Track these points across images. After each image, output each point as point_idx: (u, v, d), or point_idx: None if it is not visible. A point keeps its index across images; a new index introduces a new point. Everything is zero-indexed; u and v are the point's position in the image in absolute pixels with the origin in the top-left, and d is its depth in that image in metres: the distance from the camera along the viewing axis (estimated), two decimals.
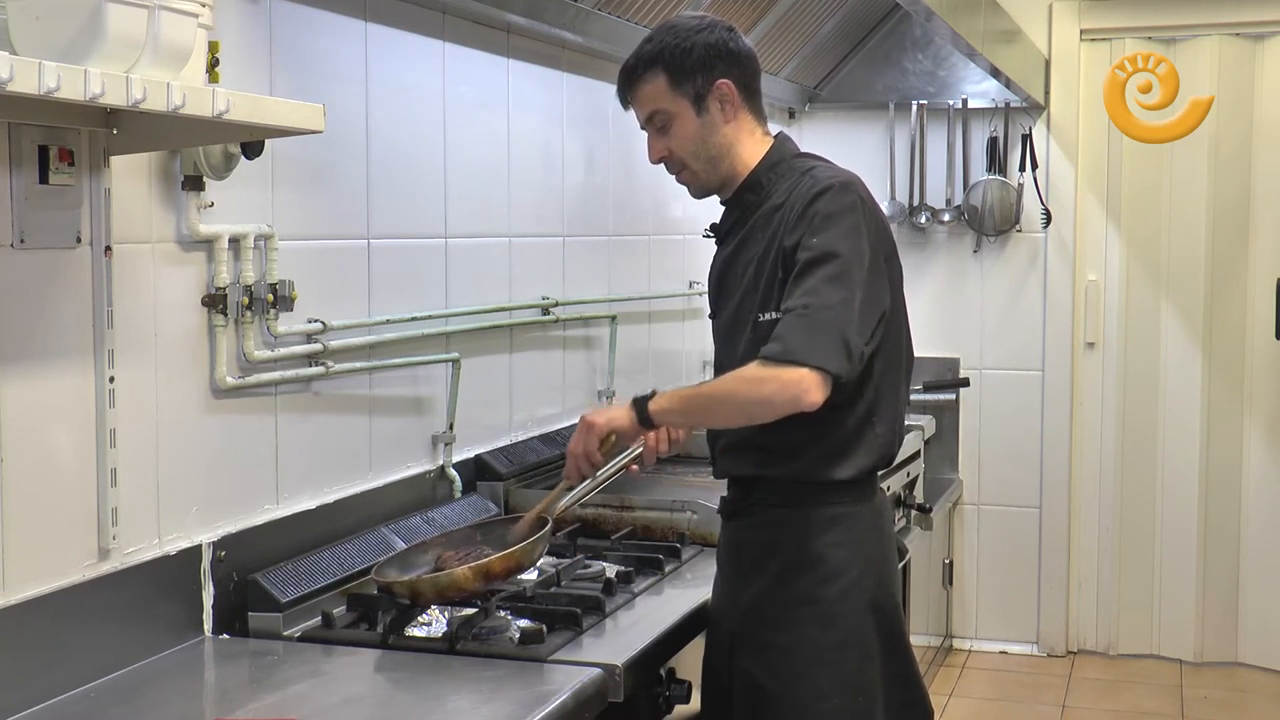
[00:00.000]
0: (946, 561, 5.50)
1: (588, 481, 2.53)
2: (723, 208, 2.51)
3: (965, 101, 5.41)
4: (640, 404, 2.33)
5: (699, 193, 2.48)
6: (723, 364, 2.47)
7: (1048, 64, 5.36)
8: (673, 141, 2.41)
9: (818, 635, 2.34)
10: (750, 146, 2.43)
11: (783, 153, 2.45)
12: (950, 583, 5.57)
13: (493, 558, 2.38)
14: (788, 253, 2.29)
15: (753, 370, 2.22)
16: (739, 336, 2.39)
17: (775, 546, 2.38)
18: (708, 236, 2.58)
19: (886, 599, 2.41)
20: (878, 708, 2.37)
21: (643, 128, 2.46)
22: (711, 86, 2.38)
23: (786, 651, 2.35)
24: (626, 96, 2.45)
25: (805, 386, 2.17)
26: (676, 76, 2.38)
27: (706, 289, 2.60)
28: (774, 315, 2.29)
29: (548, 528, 2.49)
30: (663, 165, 2.46)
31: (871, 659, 2.37)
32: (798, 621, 2.35)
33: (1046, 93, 5.37)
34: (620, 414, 2.35)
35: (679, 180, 2.48)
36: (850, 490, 2.38)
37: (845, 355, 2.19)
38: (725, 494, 2.53)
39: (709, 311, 2.57)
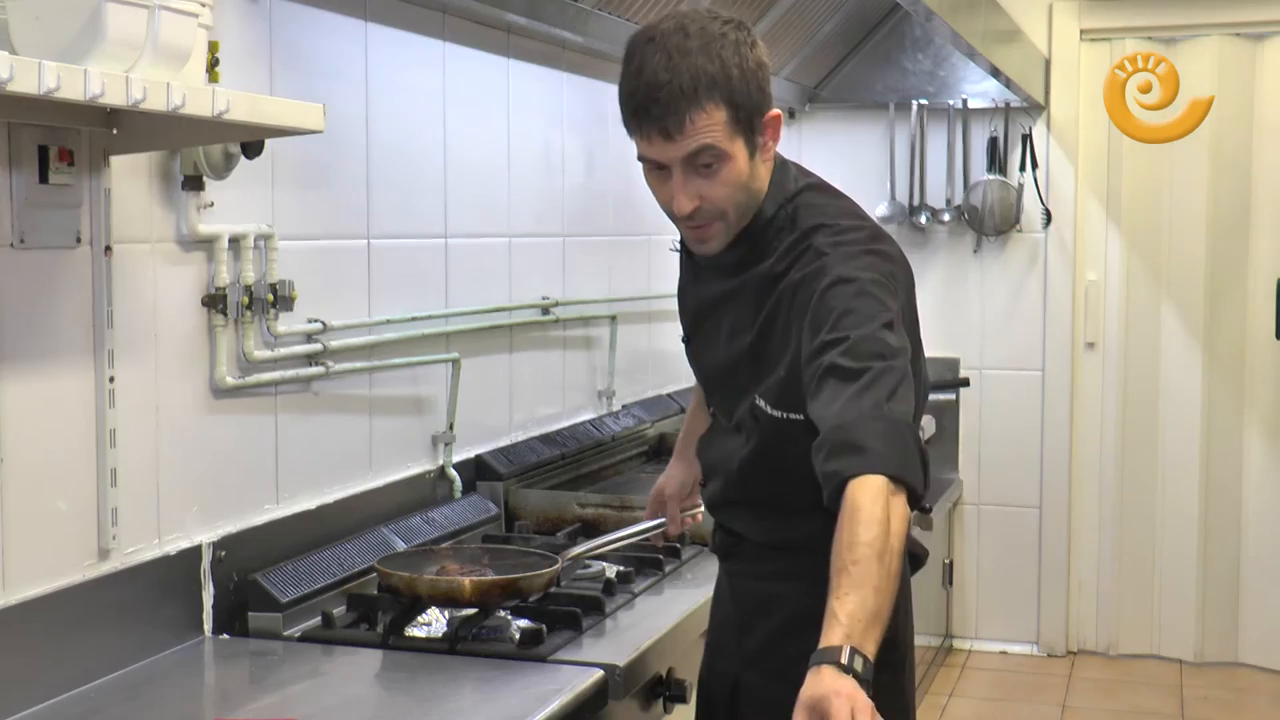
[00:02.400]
0: (946, 561, 5.50)
1: (606, 539, 2.54)
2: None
3: (965, 101, 5.41)
4: (863, 679, 1.63)
5: (716, 248, 2.04)
6: (717, 405, 2.21)
7: (1048, 64, 5.36)
8: (716, 189, 1.94)
9: None
10: (766, 185, 2.02)
11: (781, 194, 2.03)
12: (950, 583, 5.57)
13: (498, 578, 2.38)
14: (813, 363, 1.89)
15: (881, 527, 1.71)
16: (738, 405, 2.09)
17: (778, 599, 2.14)
18: (674, 251, 2.29)
19: (904, 650, 2.17)
20: None
21: (666, 161, 1.93)
22: (765, 121, 1.95)
23: (791, 707, 2.14)
24: (673, 125, 1.87)
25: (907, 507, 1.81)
26: (738, 111, 1.89)
27: (678, 310, 2.31)
28: (786, 415, 1.99)
29: (558, 566, 2.47)
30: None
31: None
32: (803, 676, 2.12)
33: (1046, 93, 5.36)
34: (856, 699, 1.59)
35: (702, 234, 2.02)
36: None
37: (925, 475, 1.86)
38: (717, 531, 2.29)
39: (683, 335, 2.28)
